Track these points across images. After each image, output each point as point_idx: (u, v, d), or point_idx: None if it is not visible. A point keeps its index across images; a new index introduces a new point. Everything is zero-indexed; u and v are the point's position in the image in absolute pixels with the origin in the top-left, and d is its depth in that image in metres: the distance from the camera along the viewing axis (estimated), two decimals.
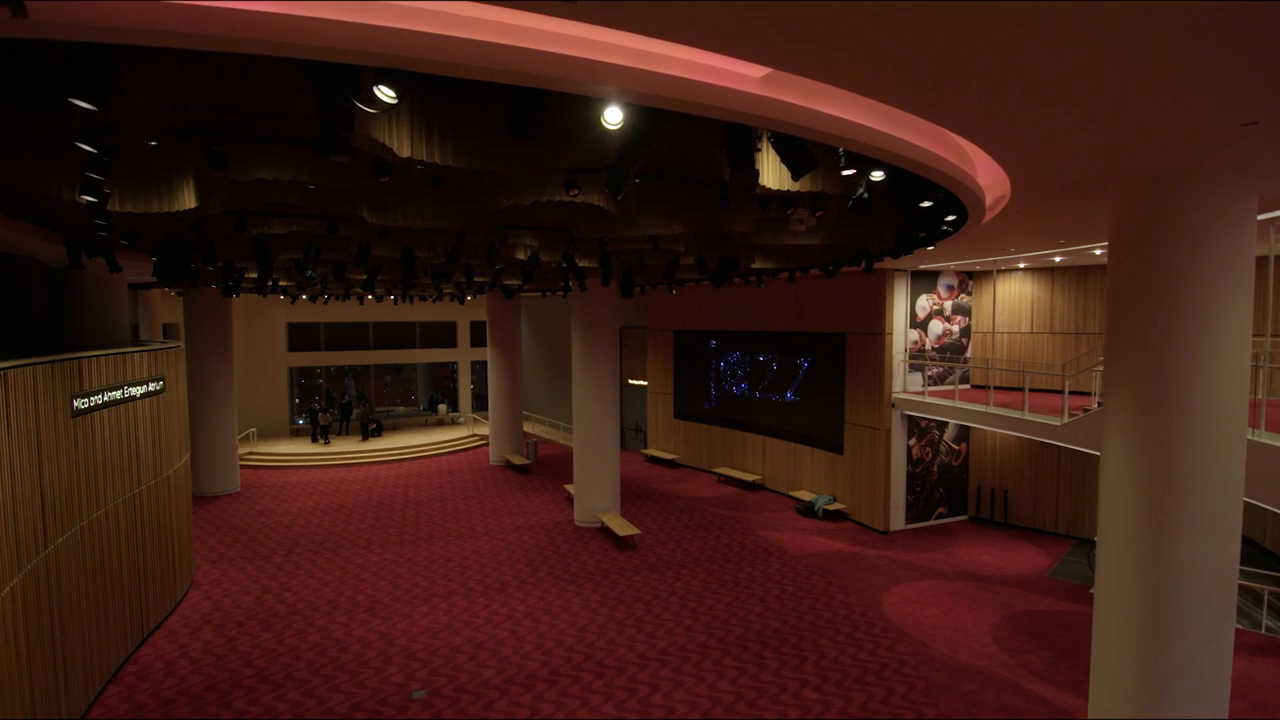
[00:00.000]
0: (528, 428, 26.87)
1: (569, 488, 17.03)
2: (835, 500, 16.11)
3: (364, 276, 13.69)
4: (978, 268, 15.41)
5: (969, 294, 16.06)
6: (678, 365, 21.65)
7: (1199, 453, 5.40)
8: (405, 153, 4.50)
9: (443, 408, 28.70)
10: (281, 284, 16.92)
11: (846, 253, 11.10)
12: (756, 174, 5.28)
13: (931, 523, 15.54)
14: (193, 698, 8.35)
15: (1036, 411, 11.82)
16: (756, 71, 3.79)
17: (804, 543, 14.24)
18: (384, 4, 2.94)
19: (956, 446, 15.76)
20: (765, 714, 7.98)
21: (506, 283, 17.27)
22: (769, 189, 5.65)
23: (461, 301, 20.45)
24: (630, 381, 24.14)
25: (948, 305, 15.77)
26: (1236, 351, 5.41)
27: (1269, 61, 3.20)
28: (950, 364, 15.56)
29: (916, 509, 15.35)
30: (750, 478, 18.68)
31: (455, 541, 14.30)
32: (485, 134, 4.72)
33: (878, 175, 5.20)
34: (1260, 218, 6.14)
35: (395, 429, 26.94)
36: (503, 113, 4.45)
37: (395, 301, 19.92)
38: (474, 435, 25.81)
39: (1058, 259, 13.30)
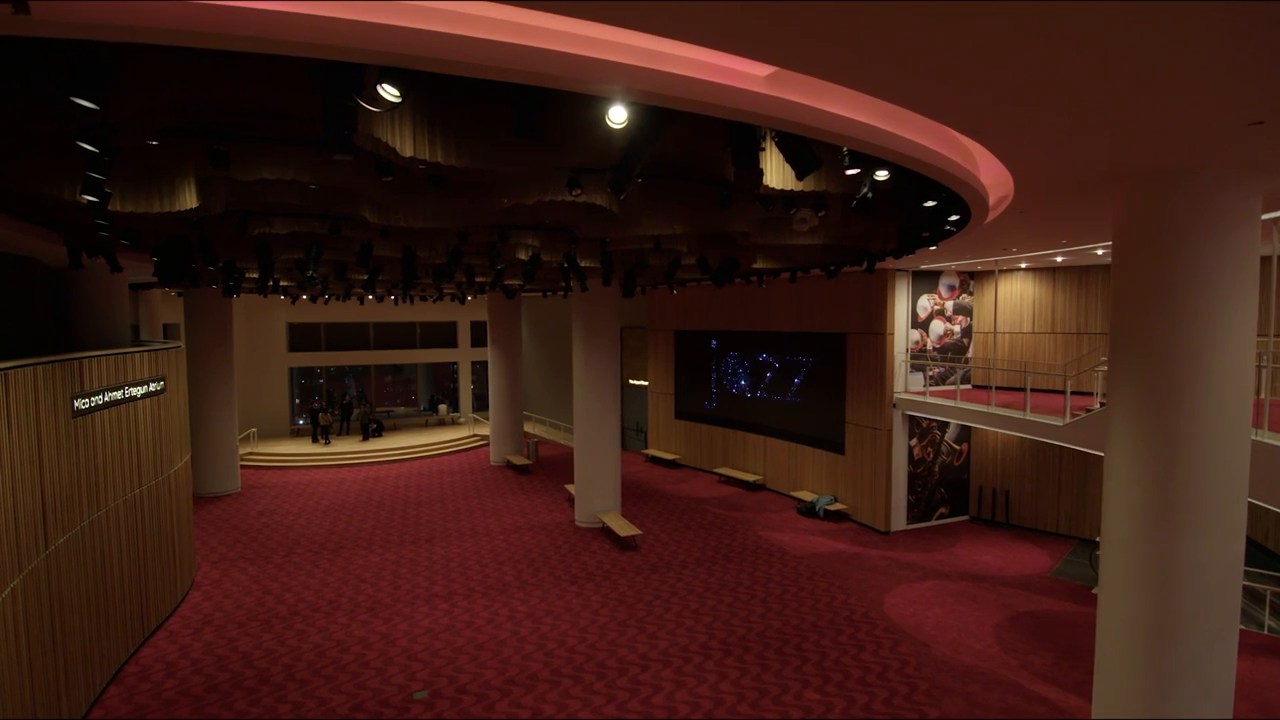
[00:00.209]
0: (528, 428, 26.85)
1: (570, 488, 17.01)
2: (836, 500, 16.09)
3: (365, 276, 13.68)
4: (979, 268, 15.40)
5: (970, 294, 16.05)
6: (679, 365, 21.63)
7: (1203, 453, 5.38)
8: (408, 152, 4.49)
9: (443, 408, 28.69)
10: (282, 284, 16.91)
11: (848, 252, 11.09)
12: (761, 173, 5.27)
13: (933, 523, 15.53)
14: (194, 699, 8.33)
15: (1038, 412, 11.80)
16: (762, 70, 3.77)
17: (805, 543, 14.23)
18: (389, 3, 2.92)
19: (958, 447, 15.74)
20: (767, 714, 7.97)
21: (507, 283, 17.26)
22: (772, 188, 5.64)
23: (462, 301, 20.44)
24: (631, 381, 24.13)
25: (949, 305, 15.76)
26: (1241, 351, 5.40)
27: (1275, 60, 3.19)
28: (952, 364, 15.55)
29: (918, 509, 15.33)
30: (751, 478, 18.66)
31: (456, 542, 14.29)
32: (488, 133, 4.70)
33: (882, 175, 5.18)
34: (1265, 217, 6.14)
35: (396, 429, 26.92)
36: (506, 112, 4.44)
37: (396, 301, 19.90)
38: (474, 435, 25.79)
39: (1059, 259, 13.29)
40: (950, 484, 15.74)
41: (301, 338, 26.35)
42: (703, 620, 10.49)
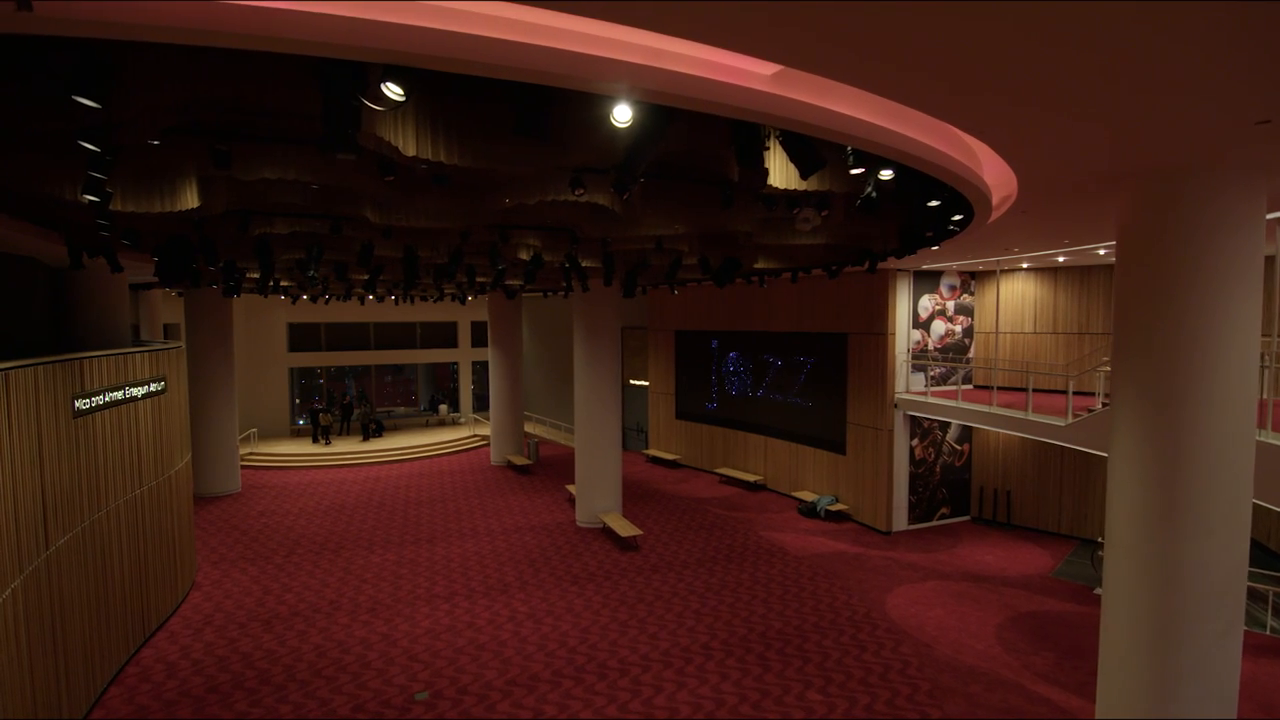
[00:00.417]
0: (529, 428, 26.83)
1: (570, 488, 16.99)
2: (838, 501, 16.07)
3: (366, 276, 13.66)
4: (980, 268, 15.38)
5: (972, 294, 16.03)
6: (679, 365, 21.62)
7: (1208, 453, 5.37)
8: (411, 151, 4.47)
9: (444, 408, 28.67)
10: (283, 284, 16.89)
11: (850, 252, 11.07)
12: (766, 172, 5.25)
13: (934, 523, 15.51)
14: (194, 699, 8.32)
15: (1040, 412, 11.79)
16: (767, 69, 3.76)
17: (806, 543, 14.21)
18: (393, 2, 2.91)
19: (959, 447, 15.73)
20: (769, 715, 7.95)
21: (508, 283, 17.24)
22: (776, 188, 5.62)
23: (463, 302, 20.38)
24: (632, 382, 24.11)
25: (950, 305, 15.74)
26: (1245, 352, 5.38)
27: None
28: (953, 364, 15.53)
29: (919, 510, 15.31)
30: (752, 478, 18.64)
31: (457, 542, 14.27)
32: (491, 133, 4.68)
33: (887, 174, 5.17)
34: (1269, 217, 6.12)
35: (396, 429, 26.90)
36: (509, 111, 4.42)
37: (396, 301, 19.88)
38: (475, 436, 25.77)
39: (1061, 259, 13.27)
40: (952, 484, 15.72)
41: (302, 338, 26.33)
42: (704, 620, 10.47)
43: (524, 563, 13.00)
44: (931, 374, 15.26)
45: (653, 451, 22.13)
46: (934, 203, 6.24)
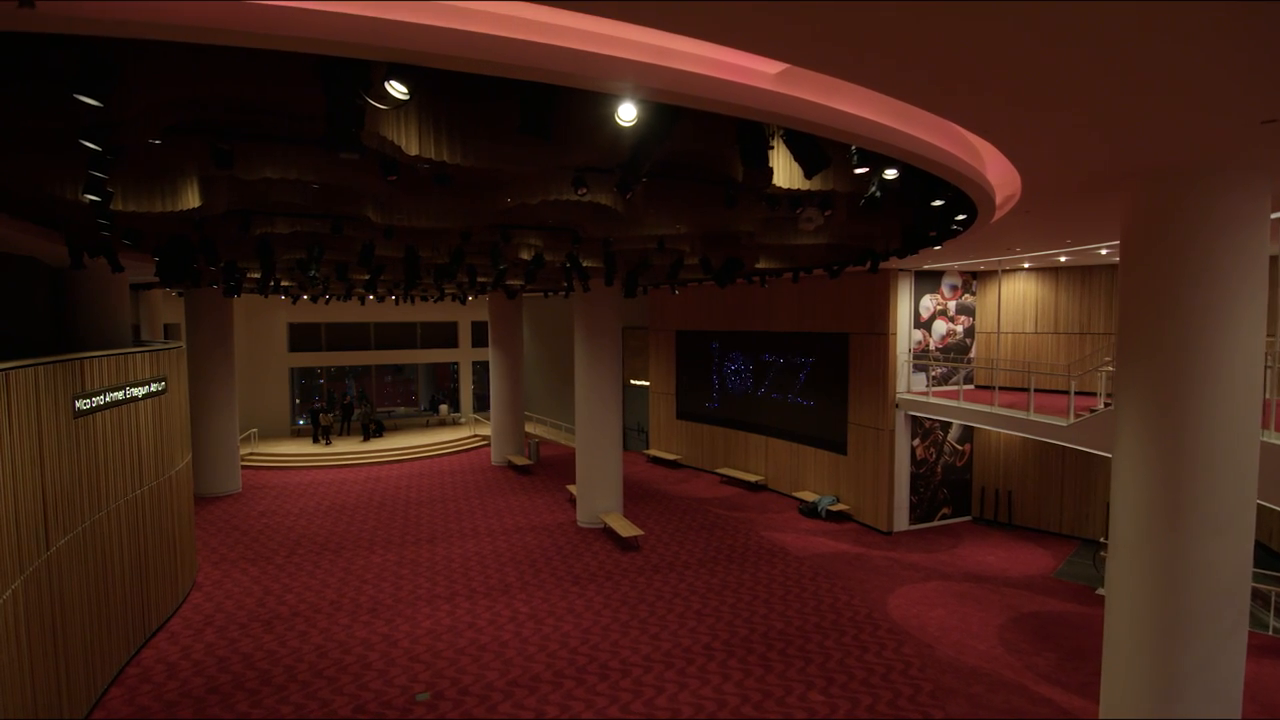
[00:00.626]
0: (529, 428, 26.81)
1: (571, 488, 16.97)
2: (839, 501, 16.06)
3: (366, 276, 13.64)
4: (982, 268, 15.37)
5: (973, 294, 16.02)
6: (680, 365, 21.60)
7: (1212, 454, 5.35)
8: (414, 150, 4.45)
9: (444, 408, 28.64)
10: (283, 284, 16.87)
11: (852, 252, 11.05)
12: (771, 172, 5.24)
13: (935, 523, 15.49)
14: (195, 700, 8.30)
15: (1041, 412, 11.77)
16: (772, 68, 3.74)
17: (807, 544, 14.19)
18: (400, 1, 2.89)
19: (960, 447, 15.71)
20: (771, 716, 7.93)
21: (509, 283, 17.23)
22: (779, 187, 5.60)
23: (463, 302, 20.39)
24: (632, 382, 24.09)
25: (952, 305, 15.73)
26: (1250, 352, 5.37)
27: None
28: (954, 364, 15.51)
29: (920, 510, 15.30)
30: (753, 478, 18.63)
31: (458, 542, 14.25)
32: (494, 132, 4.66)
33: (891, 173, 5.15)
34: (1274, 216, 6.10)
35: (396, 429, 26.88)
36: (512, 110, 4.40)
37: (397, 301, 19.87)
38: (475, 436, 25.75)
39: (1063, 259, 13.26)
40: (953, 484, 15.70)
41: (302, 338, 26.30)
42: (705, 621, 10.45)
43: (525, 563, 12.98)
44: (933, 374, 15.24)
45: (653, 451, 22.11)
46: (938, 202, 6.22)
